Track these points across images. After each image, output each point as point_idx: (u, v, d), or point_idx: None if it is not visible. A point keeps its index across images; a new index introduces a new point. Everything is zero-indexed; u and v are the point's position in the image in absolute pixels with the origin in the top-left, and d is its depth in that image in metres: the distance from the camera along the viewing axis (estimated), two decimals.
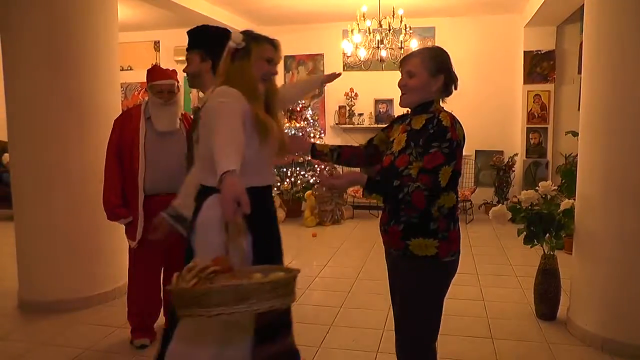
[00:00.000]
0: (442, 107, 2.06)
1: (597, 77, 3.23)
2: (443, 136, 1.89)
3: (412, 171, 1.91)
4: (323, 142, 6.36)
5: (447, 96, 2.09)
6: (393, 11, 5.73)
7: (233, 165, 1.64)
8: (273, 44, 2.11)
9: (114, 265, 3.98)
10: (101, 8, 3.90)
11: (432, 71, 1.99)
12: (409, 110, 2.10)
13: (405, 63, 2.05)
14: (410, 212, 1.94)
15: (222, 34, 2.62)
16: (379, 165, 2.12)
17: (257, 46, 2.05)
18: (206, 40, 2.63)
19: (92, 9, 3.83)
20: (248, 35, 2.09)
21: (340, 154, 2.30)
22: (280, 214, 7.03)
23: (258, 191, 1.97)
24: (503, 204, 7.10)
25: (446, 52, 2.07)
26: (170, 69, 3.25)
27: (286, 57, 8.28)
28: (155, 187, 3.07)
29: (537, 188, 3.57)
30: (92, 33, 3.83)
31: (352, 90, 7.99)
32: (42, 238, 3.80)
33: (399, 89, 2.06)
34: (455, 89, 2.08)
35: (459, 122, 1.98)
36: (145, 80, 3.17)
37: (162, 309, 3.35)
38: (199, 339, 1.95)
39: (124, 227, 3.19)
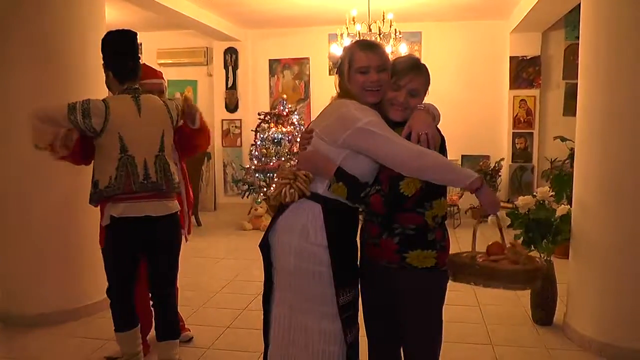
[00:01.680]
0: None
1: (593, 82, 3.24)
2: None
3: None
4: None
5: None
6: (383, 15, 5.71)
7: (472, 172, 1.80)
8: (366, 49, 1.93)
9: (102, 275, 3.82)
10: (89, 9, 3.81)
11: (426, 91, 1.98)
12: None
13: (409, 78, 1.92)
14: (377, 213, 1.90)
15: (107, 39, 2.69)
16: None
17: (349, 60, 1.93)
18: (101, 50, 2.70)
19: (81, 10, 3.74)
20: (345, 49, 1.99)
21: None
22: (267, 220, 6.94)
23: (337, 207, 1.95)
24: None
25: None
26: (157, 70, 3.20)
27: (271, 60, 8.24)
28: None
29: (534, 193, 3.57)
30: (80, 34, 3.73)
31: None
32: (25, 247, 3.65)
33: (392, 103, 1.93)
34: None
35: None
36: None
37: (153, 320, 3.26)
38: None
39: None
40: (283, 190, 1.89)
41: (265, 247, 2.05)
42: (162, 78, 3.12)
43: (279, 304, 2.03)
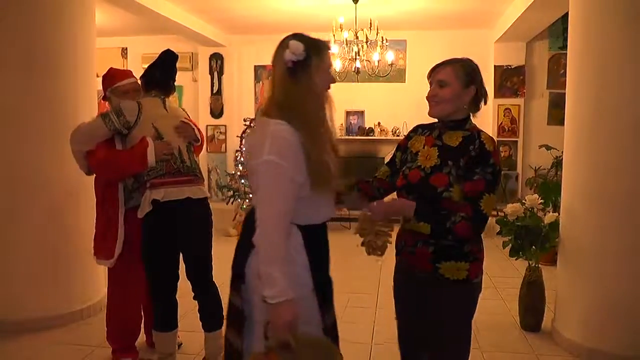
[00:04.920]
0: (477, 127, 1.96)
1: (581, 91, 3.30)
2: (486, 161, 1.83)
3: (454, 194, 1.82)
4: None
5: (476, 112, 1.98)
6: (370, 23, 5.74)
7: (284, 295, 1.55)
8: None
9: (89, 280, 3.79)
10: (80, 10, 3.78)
11: (464, 82, 1.89)
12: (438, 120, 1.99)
13: (436, 72, 1.94)
14: (464, 238, 1.84)
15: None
16: (399, 182, 2.00)
17: (318, 56, 1.71)
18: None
19: (71, 11, 3.70)
20: (304, 41, 1.69)
21: (360, 189, 2.09)
22: None
23: (313, 229, 1.78)
24: None
25: (477, 65, 1.97)
26: (125, 69, 3.28)
27: (257, 66, 8.22)
28: (137, 198, 2.89)
29: (523, 201, 3.61)
30: (71, 35, 3.69)
31: None
32: (10, 251, 3.57)
33: (428, 101, 1.95)
34: (485, 103, 1.99)
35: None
36: (103, 87, 3.03)
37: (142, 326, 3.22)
38: None
39: (93, 246, 3.01)
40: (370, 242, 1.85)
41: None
42: (133, 76, 3.11)
43: (258, 338, 1.75)
